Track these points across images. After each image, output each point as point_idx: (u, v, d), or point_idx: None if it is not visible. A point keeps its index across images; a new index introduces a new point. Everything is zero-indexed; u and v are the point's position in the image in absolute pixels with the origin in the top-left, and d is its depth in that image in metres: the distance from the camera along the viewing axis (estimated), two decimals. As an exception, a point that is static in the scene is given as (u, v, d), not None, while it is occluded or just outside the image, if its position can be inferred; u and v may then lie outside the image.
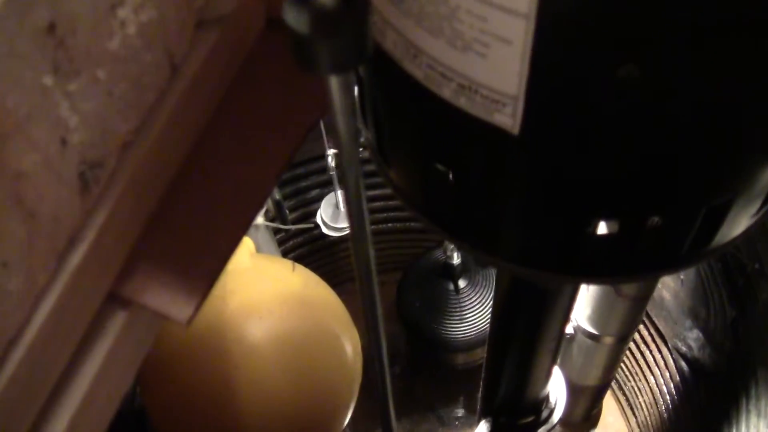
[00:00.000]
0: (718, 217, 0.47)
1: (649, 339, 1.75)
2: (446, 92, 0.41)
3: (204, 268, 0.54)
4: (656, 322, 1.68)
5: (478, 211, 0.49)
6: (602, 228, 0.46)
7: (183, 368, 1.19)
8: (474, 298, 1.94)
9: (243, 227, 0.55)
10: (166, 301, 0.53)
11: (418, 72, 0.43)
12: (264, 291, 1.25)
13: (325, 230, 1.72)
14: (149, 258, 0.55)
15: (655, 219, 0.45)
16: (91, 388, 0.53)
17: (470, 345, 1.96)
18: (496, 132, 0.40)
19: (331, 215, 1.74)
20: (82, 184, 0.50)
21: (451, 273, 1.94)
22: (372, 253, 0.56)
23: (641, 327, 1.75)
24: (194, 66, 0.57)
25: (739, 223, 0.50)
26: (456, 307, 1.93)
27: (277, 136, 0.58)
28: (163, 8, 0.53)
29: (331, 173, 1.64)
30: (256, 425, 1.20)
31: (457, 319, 1.93)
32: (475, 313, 1.93)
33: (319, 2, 0.40)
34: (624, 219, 0.45)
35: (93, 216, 0.52)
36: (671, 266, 0.51)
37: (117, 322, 0.54)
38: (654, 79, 0.35)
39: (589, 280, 0.66)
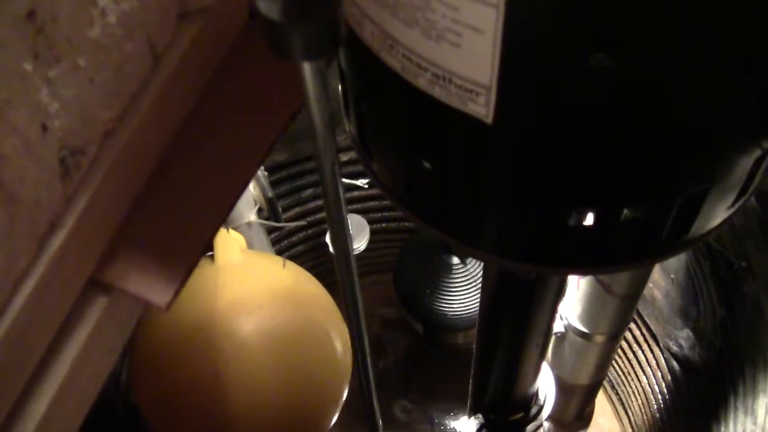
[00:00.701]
0: (694, 207, 0.47)
1: (641, 338, 1.76)
2: (422, 82, 0.42)
3: (183, 254, 0.55)
4: (648, 321, 1.68)
5: (458, 201, 0.50)
6: (579, 218, 0.46)
7: (174, 363, 1.20)
8: (467, 277, 1.91)
9: (223, 214, 0.56)
10: (145, 286, 0.54)
11: (395, 62, 0.43)
12: (254, 286, 1.25)
13: (333, 251, 1.72)
14: (130, 244, 0.56)
15: (631, 208, 0.46)
16: (71, 372, 0.54)
17: (452, 324, 1.93)
18: (471, 121, 0.41)
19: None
20: (63, 169, 0.51)
21: (449, 247, 1.92)
22: (350, 241, 0.57)
23: (633, 327, 1.76)
24: (177, 56, 0.58)
25: (715, 215, 0.50)
26: (445, 281, 1.90)
27: (259, 125, 0.59)
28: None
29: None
30: (246, 419, 1.21)
31: (444, 293, 1.90)
32: (462, 293, 1.90)
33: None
34: (600, 208, 0.46)
35: (74, 201, 0.53)
36: (650, 256, 0.52)
37: (98, 306, 0.55)
38: (626, 68, 0.36)
39: (569, 271, 0.67)
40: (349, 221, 1.73)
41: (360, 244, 1.69)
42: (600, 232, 0.47)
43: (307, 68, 0.44)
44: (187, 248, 0.55)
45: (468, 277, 1.91)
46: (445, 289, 1.91)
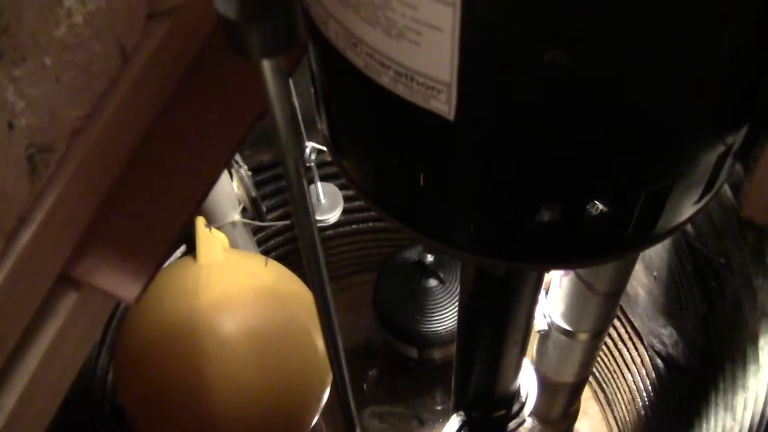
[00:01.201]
0: (659, 203, 0.48)
1: (625, 337, 1.77)
2: (385, 80, 0.43)
3: (151, 250, 0.56)
4: (632, 319, 1.69)
5: (425, 198, 0.51)
6: (544, 213, 0.47)
7: (157, 361, 1.21)
8: (449, 294, 1.93)
9: (191, 211, 0.57)
10: (114, 281, 0.55)
11: (358, 60, 0.44)
12: (236, 285, 1.26)
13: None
14: (99, 240, 0.57)
15: (596, 204, 0.46)
16: (41, 367, 0.55)
17: (447, 340, 1.95)
18: (434, 118, 0.42)
19: (309, 207, 1.72)
20: (30, 166, 0.52)
21: (424, 270, 1.93)
22: (317, 235, 0.58)
23: (617, 325, 1.77)
24: (145, 55, 0.58)
25: (682, 210, 0.51)
26: (430, 303, 1.92)
27: (227, 123, 0.59)
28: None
29: (310, 164, 1.64)
30: (228, 417, 1.21)
31: (432, 315, 1.92)
32: (449, 309, 1.92)
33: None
34: (564, 204, 0.46)
35: (43, 198, 0.53)
36: (616, 251, 0.53)
37: (67, 302, 0.56)
38: (582, 64, 0.37)
39: (537, 266, 0.67)
40: (321, 191, 1.71)
41: (333, 214, 1.68)
42: (566, 227, 0.48)
43: (266, 66, 0.44)
44: (156, 244, 0.56)
45: (451, 293, 1.92)
46: (433, 310, 1.93)
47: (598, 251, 0.52)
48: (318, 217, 1.70)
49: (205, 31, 0.63)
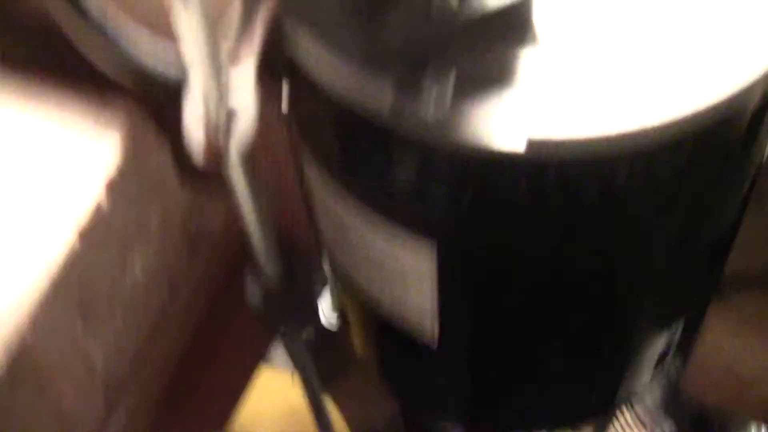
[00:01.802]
0: (611, 390, 0.56)
1: (632, 423, 1.78)
2: (383, 312, 0.50)
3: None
4: (635, 408, 1.72)
5: (418, 393, 0.60)
6: (513, 400, 0.56)
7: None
8: None
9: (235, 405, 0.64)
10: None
11: (357, 299, 0.53)
12: (266, 404, 1.30)
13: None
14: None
15: (560, 389, 0.55)
16: None
17: None
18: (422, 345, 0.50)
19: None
20: (107, 405, 0.61)
21: None
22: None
23: (624, 411, 1.78)
24: (191, 284, 0.69)
25: (641, 378, 0.57)
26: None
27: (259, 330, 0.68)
28: (165, 249, 0.65)
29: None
30: None
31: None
32: None
33: (268, 284, 0.51)
34: (531, 393, 0.55)
35: (115, 423, 0.63)
36: (582, 417, 0.61)
37: None
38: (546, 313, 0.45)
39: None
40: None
41: None
42: (535, 404, 0.57)
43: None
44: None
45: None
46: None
47: (566, 419, 0.60)
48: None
49: (238, 253, 0.72)
